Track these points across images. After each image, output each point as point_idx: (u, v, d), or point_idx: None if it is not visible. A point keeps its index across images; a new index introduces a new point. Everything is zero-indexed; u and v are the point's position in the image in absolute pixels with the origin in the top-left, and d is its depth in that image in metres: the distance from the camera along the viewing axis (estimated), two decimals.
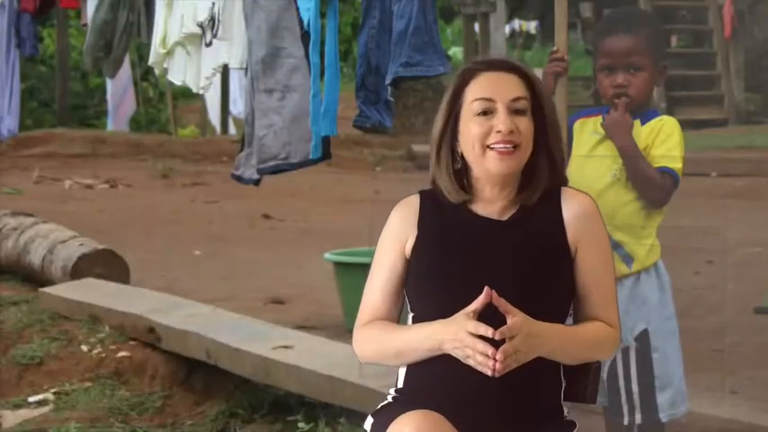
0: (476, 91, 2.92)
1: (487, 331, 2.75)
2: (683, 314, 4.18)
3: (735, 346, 6.08)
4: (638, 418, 3.93)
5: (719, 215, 9.53)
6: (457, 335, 2.78)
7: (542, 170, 2.93)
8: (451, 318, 2.81)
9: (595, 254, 2.94)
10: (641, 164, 3.90)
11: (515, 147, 2.88)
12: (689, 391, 4.03)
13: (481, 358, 2.76)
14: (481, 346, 2.76)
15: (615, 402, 3.95)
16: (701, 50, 17.89)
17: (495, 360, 2.74)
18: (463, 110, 2.93)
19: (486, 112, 2.90)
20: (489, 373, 2.76)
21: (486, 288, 2.78)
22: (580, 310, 2.95)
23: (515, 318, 2.77)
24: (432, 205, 2.97)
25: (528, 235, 2.91)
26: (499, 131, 2.87)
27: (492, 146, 2.88)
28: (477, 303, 2.78)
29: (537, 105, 2.93)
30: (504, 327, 2.75)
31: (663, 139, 3.92)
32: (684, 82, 16.74)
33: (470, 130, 2.90)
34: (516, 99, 2.91)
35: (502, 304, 2.77)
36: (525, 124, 2.90)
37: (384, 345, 2.93)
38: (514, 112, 2.90)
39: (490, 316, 2.78)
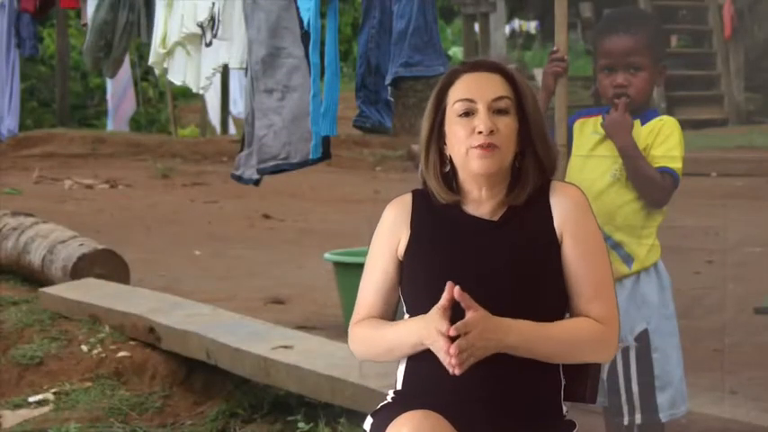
0: (458, 92, 2.93)
1: (449, 330, 2.76)
2: (683, 314, 4.18)
3: (735, 346, 6.08)
4: (638, 418, 3.93)
5: (719, 215, 9.53)
6: (430, 332, 2.80)
7: (529, 170, 2.93)
8: (428, 313, 2.83)
9: (581, 243, 2.90)
10: (641, 164, 3.89)
11: (496, 148, 2.88)
12: (689, 391, 4.02)
13: (443, 355, 2.77)
14: (442, 343, 2.77)
15: (615, 402, 3.95)
16: (700, 50, 17.89)
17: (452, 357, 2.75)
18: (447, 112, 2.94)
19: (467, 113, 2.90)
20: (450, 370, 2.76)
21: (448, 283, 2.78)
22: (571, 305, 2.93)
23: (473, 313, 2.76)
24: (424, 205, 2.98)
25: (520, 234, 2.91)
26: (480, 132, 2.88)
27: (474, 146, 2.88)
28: (443, 299, 2.79)
29: (520, 105, 2.93)
30: (460, 322, 2.76)
31: (663, 140, 3.92)
32: (684, 82, 16.75)
33: (455, 133, 2.91)
34: (498, 99, 2.91)
35: (465, 299, 2.76)
36: (506, 124, 2.90)
37: (374, 342, 2.96)
38: (496, 111, 2.90)
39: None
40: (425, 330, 2.82)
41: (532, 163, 2.93)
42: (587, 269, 2.90)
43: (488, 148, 2.87)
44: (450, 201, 2.94)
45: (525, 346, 2.82)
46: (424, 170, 2.97)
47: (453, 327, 2.75)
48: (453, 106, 2.92)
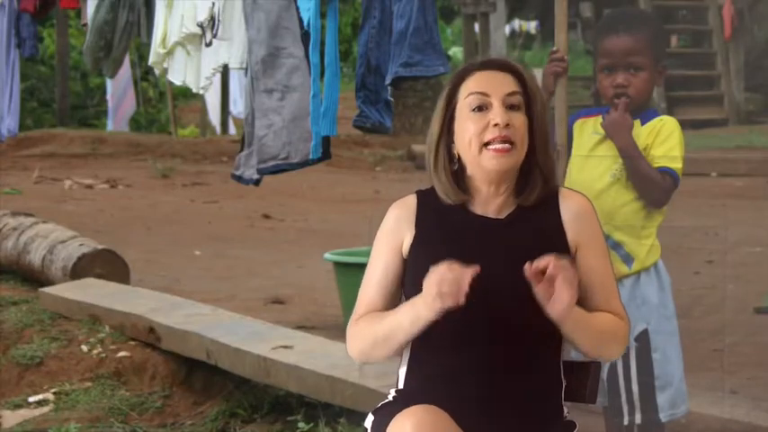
0: (470, 87, 2.92)
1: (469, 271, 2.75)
2: (683, 314, 4.18)
3: (735, 346, 6.08)
4: (638, 418, 3.93)
5: (719, 215, 9.53)
6: (425, 287, 2.77)
7: (536, 170, 2.93)
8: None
9: (595, 253, 2.95)
10: (641, 164, 3.90)
11: (511, 144, 2.87)
12: (689, 391, 4.03)
13: (454, 286, 2.73)
14: (448, 273, 2.75)
15: (615, 402, 3.95)
16: (700, 50, 17.88)
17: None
18: (458, 108, 2.93)
19: (481, 108, 2.90)
20: (469, 276, 2.74)
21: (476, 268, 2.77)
22: (585, 308, 2.94)
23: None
24: (429, 205, 2.97)
25: (526, 233, 2.91)
26: (496, 124, 2.87)
27: (489, 143, 2.87)
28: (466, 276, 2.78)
29: (529, 105, 2.93)
30: (548, 257, 2.75)
31: (663, 140, 3.92)
32: (684, 82, 16.74)
33: (466, 128, 2.90)
34: (511, 93, 2.90)
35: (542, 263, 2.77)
36: (520, 120, 2.90)
37: (371, 334, 2.91)
38: (509, 107, 2.90)
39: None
40: (420, 297, 2.78)
41: (539, 163, 2.93)
42: (604, 274, 2.96)
43: (505, 144, 2.86)
44: (458, 201, 2.94)
45: (576, 330, 2.85)
46: (432, 170, 2.95)
47: (549, 263, 2.74)
48: (466, 99, 2.91)
